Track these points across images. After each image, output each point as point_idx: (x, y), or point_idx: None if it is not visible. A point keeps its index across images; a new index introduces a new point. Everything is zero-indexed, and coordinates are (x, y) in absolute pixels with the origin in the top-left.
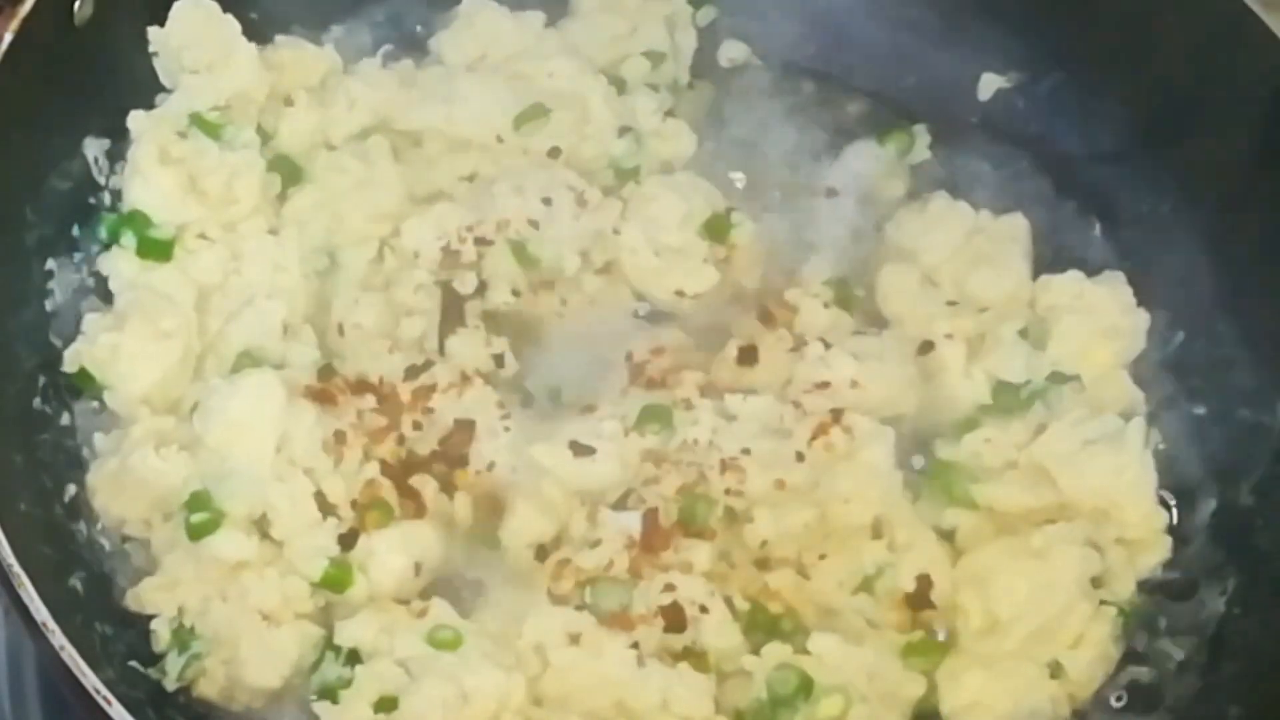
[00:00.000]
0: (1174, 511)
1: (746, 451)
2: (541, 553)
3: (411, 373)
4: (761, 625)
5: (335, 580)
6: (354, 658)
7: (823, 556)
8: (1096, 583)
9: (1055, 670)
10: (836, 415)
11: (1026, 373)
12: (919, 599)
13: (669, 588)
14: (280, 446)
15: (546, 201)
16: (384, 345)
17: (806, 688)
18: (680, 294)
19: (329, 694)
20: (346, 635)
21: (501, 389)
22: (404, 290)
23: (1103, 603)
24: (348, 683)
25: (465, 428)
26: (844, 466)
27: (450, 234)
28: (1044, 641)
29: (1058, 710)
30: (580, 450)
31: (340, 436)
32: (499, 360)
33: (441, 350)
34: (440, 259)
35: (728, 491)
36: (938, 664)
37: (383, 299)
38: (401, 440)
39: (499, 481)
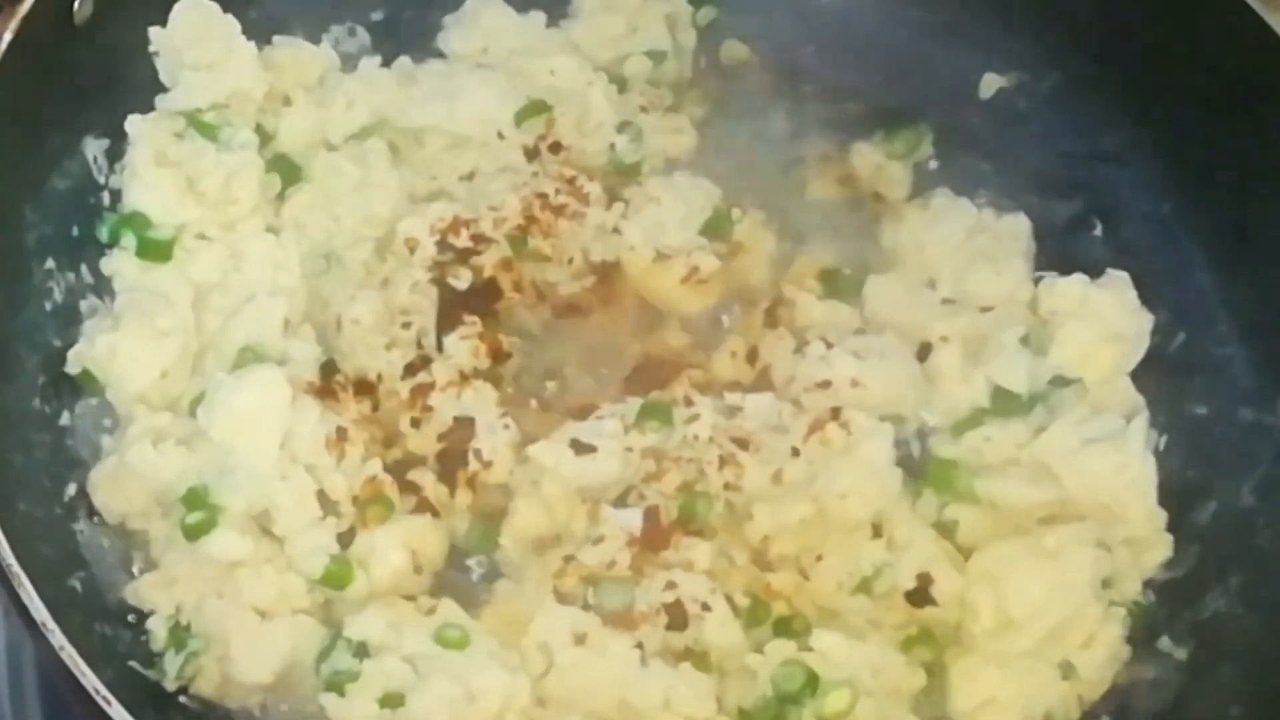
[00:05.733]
0: (1175, 511)
1: (744, 446)
2: (542, 550)
3: (410, 370)
4: (764, 622)
5: (335, 578)
6: (363, 651)
7: (820, 558)
8: (1105, 583)
9: (1066, 671)
10: (834, 411)
11: (1028, 381)
12: (920, 596)
13: (671, 585)
14: (283, 443)
15: (546, 198)
16: (381, 341)
17: (813, 683)
18: (681, 292)
19: (336, 686)
20: (356, 629)
21: (501, 387)
22: (401, 288)
23: (1111, 603)
24: (356, 676)
25: (465, 425)
26: (841, 462)
27: (448, 231)
28: (1056, 642)
29: (1068, 711)
30: (581, 448)
31: (342, 433)
32: (498, 358)
33: (440, 348)
34: (438, 256)
35: (726, 486)
36: (940, 653)
37: (380, 296)
38: (400, 438)
39: (499, 480)
